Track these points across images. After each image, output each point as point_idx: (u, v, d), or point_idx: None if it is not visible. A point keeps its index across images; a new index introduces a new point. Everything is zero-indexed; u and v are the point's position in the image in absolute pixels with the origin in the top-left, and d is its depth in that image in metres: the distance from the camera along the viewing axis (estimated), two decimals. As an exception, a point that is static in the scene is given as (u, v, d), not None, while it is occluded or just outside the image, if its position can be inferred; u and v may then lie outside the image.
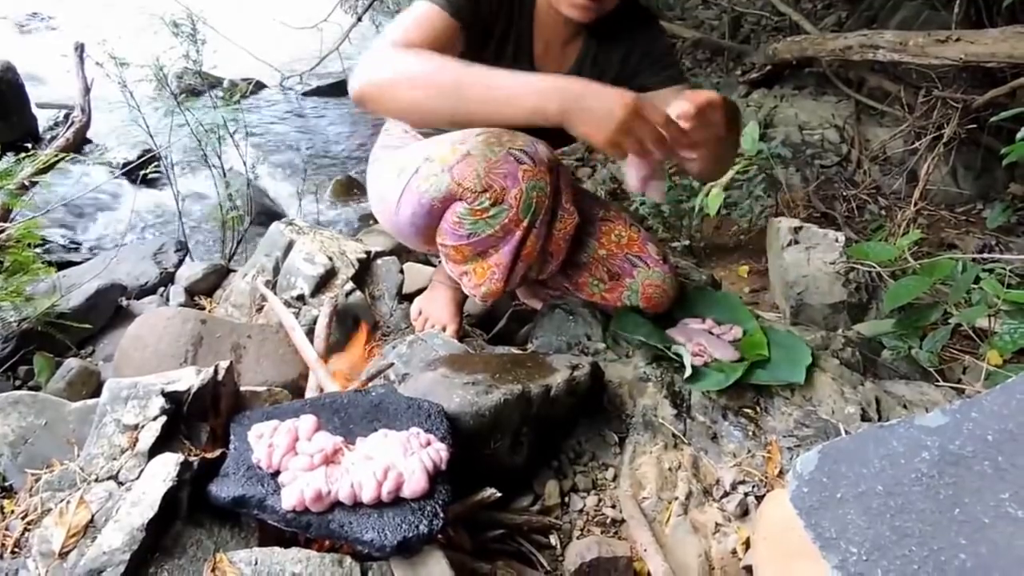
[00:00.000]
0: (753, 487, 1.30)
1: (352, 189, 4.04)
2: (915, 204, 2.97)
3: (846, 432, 1.36)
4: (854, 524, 0.71)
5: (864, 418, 1.39)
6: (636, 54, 1.46)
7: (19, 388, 1.58)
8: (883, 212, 3.41)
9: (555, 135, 1.39)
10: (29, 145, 4.04)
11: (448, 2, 1.23)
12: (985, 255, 2.69)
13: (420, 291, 1.80)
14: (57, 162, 2.01)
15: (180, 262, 2.12)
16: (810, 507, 0.73)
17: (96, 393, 1.60)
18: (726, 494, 1.30)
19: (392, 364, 1.36)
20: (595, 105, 1.05)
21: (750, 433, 1.39)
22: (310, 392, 1.31)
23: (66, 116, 4.14)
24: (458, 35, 1.25)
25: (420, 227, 1.40)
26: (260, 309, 1.72)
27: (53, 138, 3.84)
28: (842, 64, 3.81)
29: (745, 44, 4.73)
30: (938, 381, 1.60)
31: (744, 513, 1.26)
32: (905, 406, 1.46)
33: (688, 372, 1.41)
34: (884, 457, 0.78)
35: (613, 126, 1.04)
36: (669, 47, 1.52)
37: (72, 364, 1.55)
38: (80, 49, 3.91)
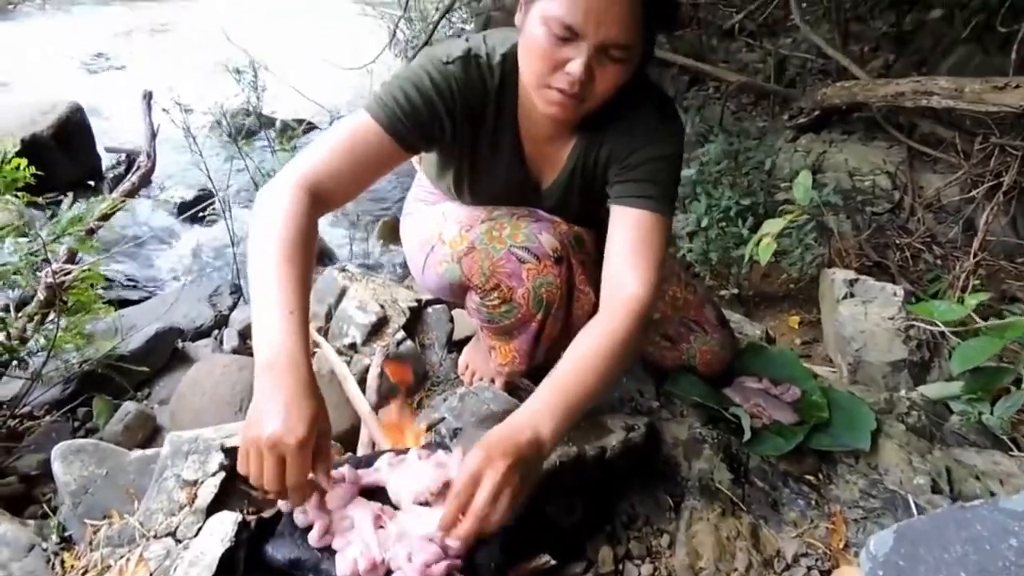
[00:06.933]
0: (816, 560, 1.24)
1: (399, 231, 4.06)
2: (974, 255, 2.87)
3: (916, 505, 1.29)
4: (941, 620, 0.67)
5: (935, 490, 1.33)
6: (618, 150, 1.20)
7: (77, 430, 1.62)
8: (939, 261, 3.30)
9: (579, 211, 1.33)
10: (92, 183, 4.23)
11: (386, 114, 1.09)
12: (1054, 311, 2.58)
13: (470, 338, 1.79)
14: (121, 207, 2.08)
15: (234, 305, 2.16)
16: (892, 599, 0.69)
17: (151, 437, 1.63)
18: (788, 567, 1.24)
19: (444, 418, 1.35)
20: (268, 407, 0.88)
21: (812, 502, 1.33)
22: (362, 447, 1.31)
23: (128, 156, 4.29)
24: (394, 151, 1.11)
25: (447, 296, 1.40)
26: (312, 355, 1.74)
27: (116, 177, 3.99)
28: (892, 109, 3.75)
29: (791, 88, 4.68)
30: (1012, 450, 1.52)
31: (808, 588, 1.20)
32: (978, 477, 1.39)
33: (747, 435, 1.37)
34: (967, 541, 0.74)
35: (251, 434, 0.88)
36: (661, 159, 1.18)
37: (129, 408, 1.58)
38: (148, 97, 4.08)
